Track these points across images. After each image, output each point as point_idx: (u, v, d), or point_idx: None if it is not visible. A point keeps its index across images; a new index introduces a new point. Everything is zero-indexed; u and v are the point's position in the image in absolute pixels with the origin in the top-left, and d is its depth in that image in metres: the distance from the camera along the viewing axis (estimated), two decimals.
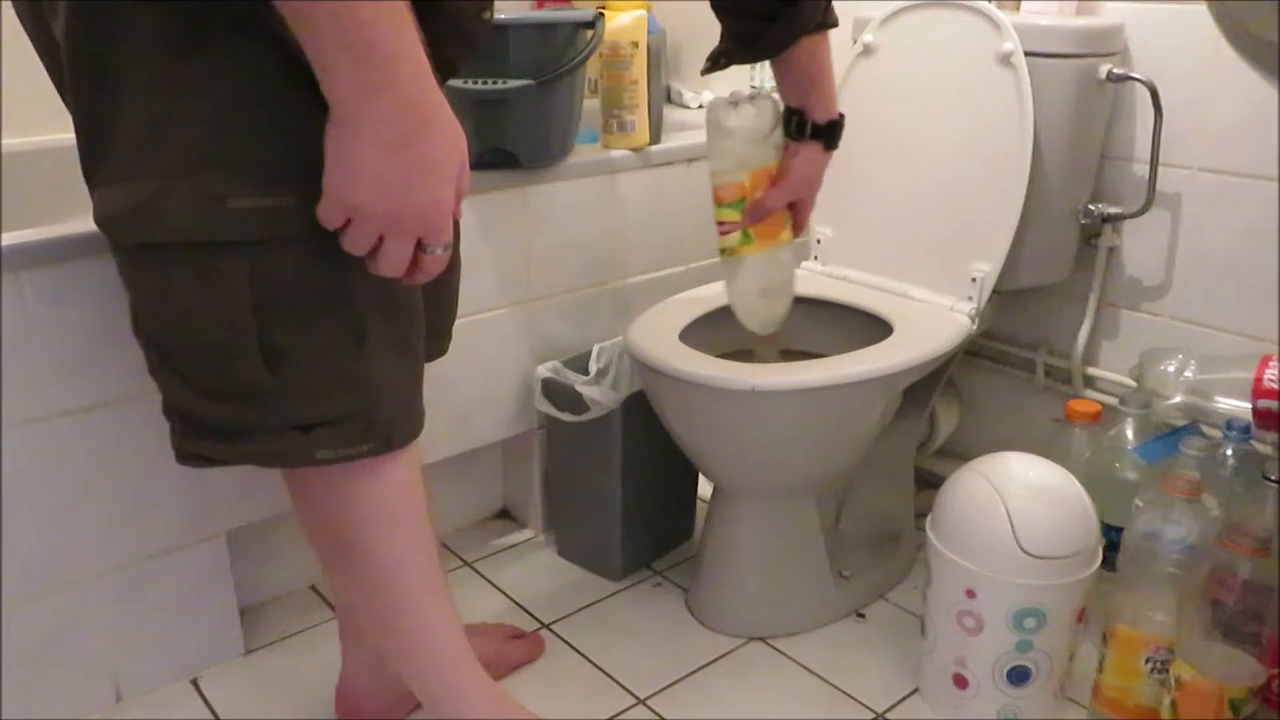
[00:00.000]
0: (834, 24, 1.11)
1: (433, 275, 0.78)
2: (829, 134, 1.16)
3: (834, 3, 1.10)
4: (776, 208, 1.19)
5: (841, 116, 1.17)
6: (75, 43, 0.74)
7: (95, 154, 0.77)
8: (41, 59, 0.83)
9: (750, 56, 1.12)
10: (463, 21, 0.85)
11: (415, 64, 0.69)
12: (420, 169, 0.71)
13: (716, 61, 1.14)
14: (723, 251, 1.23)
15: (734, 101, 1.16)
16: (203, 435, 0.86)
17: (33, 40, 0.83)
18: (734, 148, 1.17)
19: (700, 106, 1.85)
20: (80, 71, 0.75)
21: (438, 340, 1.08)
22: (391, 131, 0.69)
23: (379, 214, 0.72)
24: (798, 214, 1.22)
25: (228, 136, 0.74)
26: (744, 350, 1.34)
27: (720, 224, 1.21)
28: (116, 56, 0.73)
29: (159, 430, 1.12)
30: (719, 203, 1.20)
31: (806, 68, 1.12)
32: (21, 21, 0.83)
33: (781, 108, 1.17)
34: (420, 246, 0.75)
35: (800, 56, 1.10)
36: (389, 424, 0.87)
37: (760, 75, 1.69)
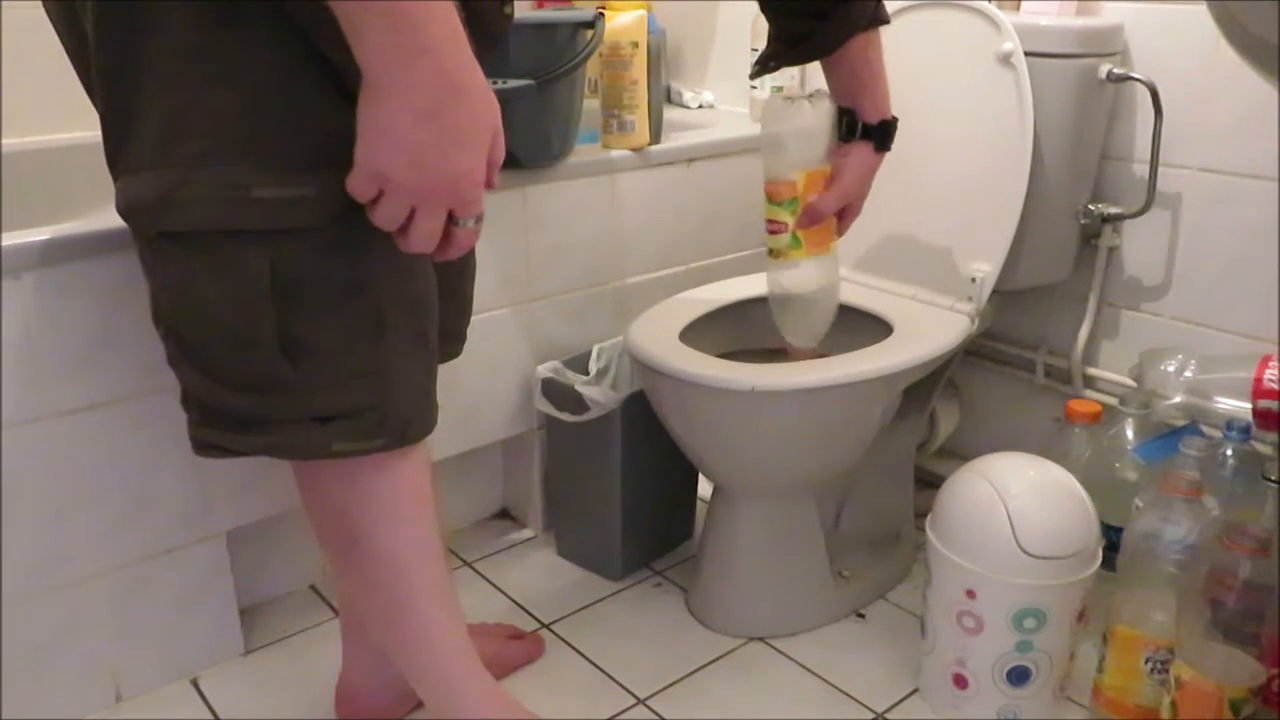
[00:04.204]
0: (885, 21, 1.09)
1: (465, 250, 0.77)
2: (880, 135, 1.14)
3: None
4: (830, 212, 1.16)
5: (894, 119, 1.14)
6: (103, 34, 0.75)
7: (120, 143, 0.78)
8: (70, 56, 0.84)
9: (801, 57, 1.10)
10: (486, 18, 0.85)
11: (448, 28, 0.68)
12: (452, 137, 0.70)
13: (765, 64, 1.12)
14: (770, 252, 1.21)
15: (791, 99, 1.14)
16: (220, 425, 0.86)
17: (62, 37, 0.83)
18: (788, 147, 1.15)
19: (700, 106, 1.85)
20: (107, 62, 0.76)
21: (452, 343, 1.08)
22: (424, 98, 0.68)
23: (410, 184, 0.71)
24: (843, 217, 1.19)
25: (251, 126, 0.75)
26: (744, 350, 1.34)
27: (770, 222, 1.18)
28: (143, 47, 0.74)
29: (159, 430, 1.13)
30: (770, 200, 1.18)
31: (857, 67, 1.10)
32: (51, 19, 0.83)
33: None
34: (451, 219, 0.74)
35: (852, 55, 1.08)
36: (404, 418, 0.88)
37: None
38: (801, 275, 1.21)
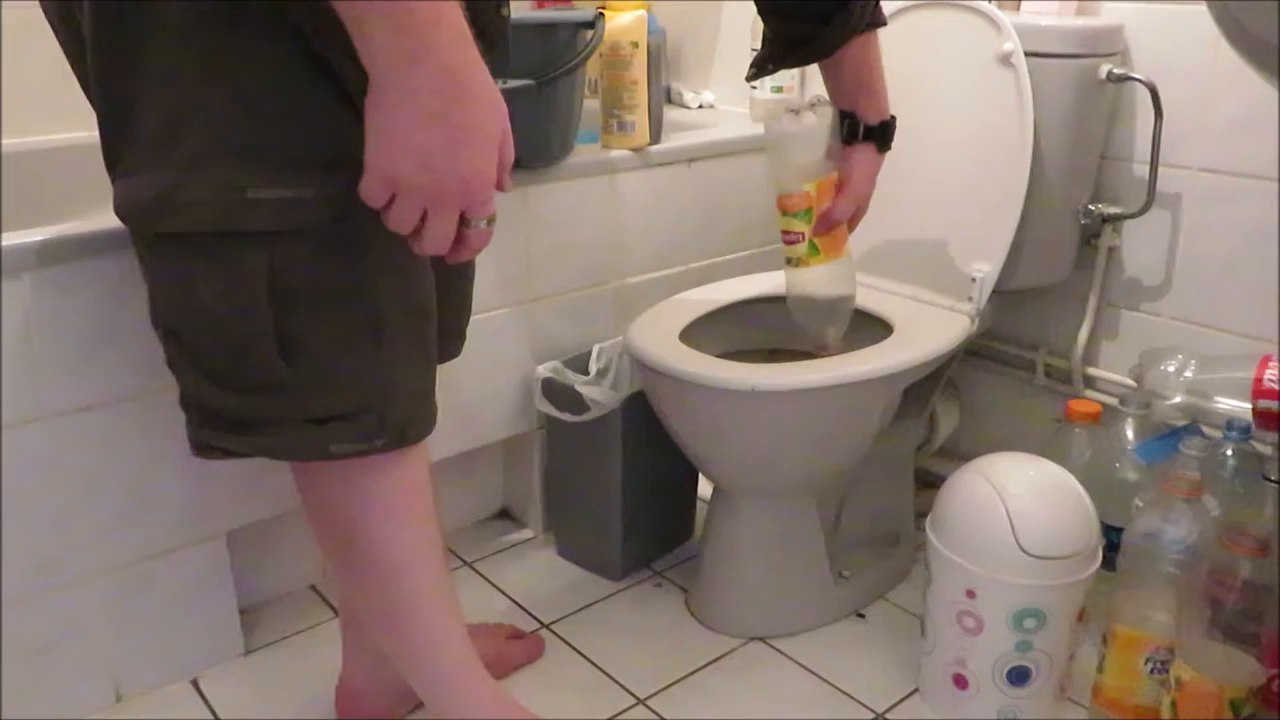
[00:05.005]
0: (883, 23, 1.10)
1: (477, 251, 0.77)
2: (881, 135, 1.15)
3: None
4: (845, 218, 1.17)
5: (893, 118, 1.15)
6: (100, 35, 0.75)
7: (117, 144, 0.78)
8: (68, 57, 0.84)
9: (800, 60, 1.10)
10: (482, 20, 0.85)
11: (454, 30, 0.68)
12: (461, 138, 0.70)
13: (763, 67, 1.12)
14: (788, 261, 1.22)
15: (796, 111, 1.14)
16: (218, 426, 0.86)
17: (60, 38, 0.83)
18: (797, 159, 1.16)
19: (700, 106, 1.85)
20: (105, 63, 0.76)
21: (452, 343, 1.08)
22: (431, 100, 0.68)
23: (421, 186, 0.70)
24: (853, 218, 1.20)
25: (249, 127, 0.75)
26: (744, 350, 1.34)
27: (786, 233, 1.19)
28: (140, 48, 0.74)
29: (159, 430, 1.13)
30: (785, 212, 1.18)
31: (857, 69, 1.10)
32: (49, 19, 0.83)
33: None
34: (463, 220, 0.74)
35: (851, 58, 1.09)
36: (403, 420, 0.88)
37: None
38: (823, 280, 1.22)
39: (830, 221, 1.17)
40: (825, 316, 1.25)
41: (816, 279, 1.22)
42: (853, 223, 1.21)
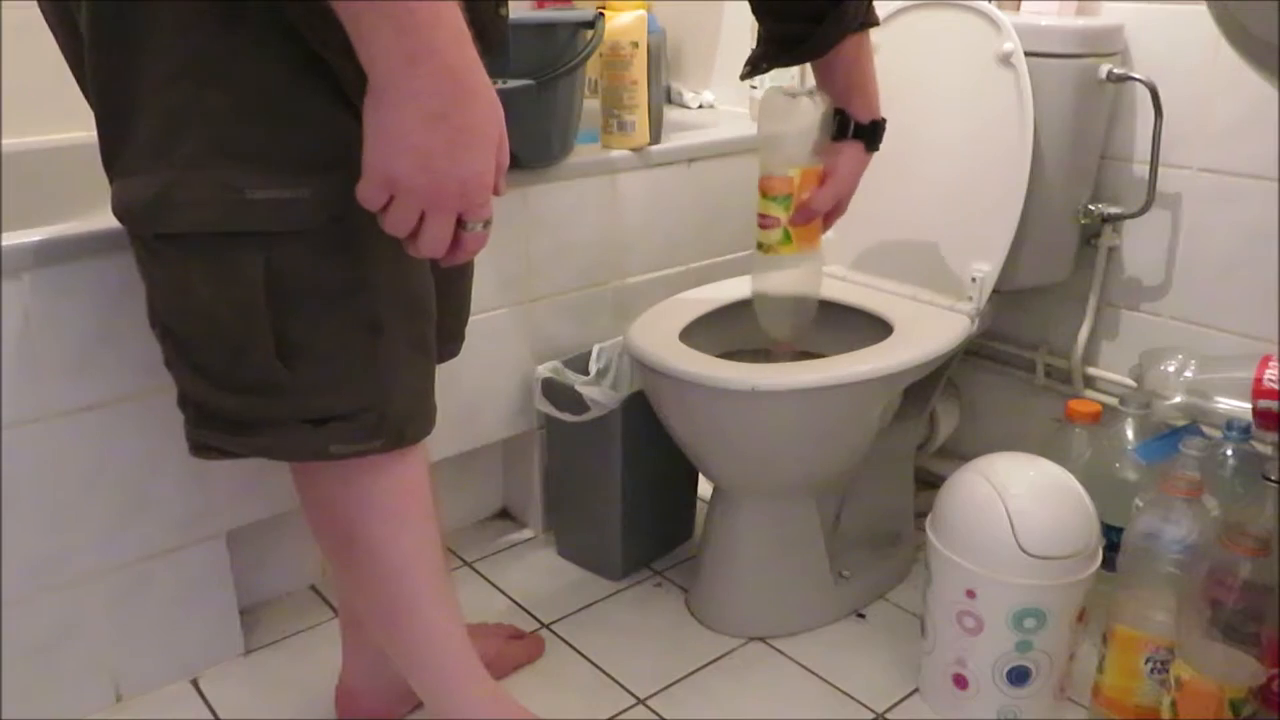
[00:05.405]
0: (875, 23, 1.10)
1: (473, 254, 0.77)
2: (871, 135, 1.15)
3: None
4: (823, 211, 1.17)
5: (883, 119, 1.15)
6: (98, 34, 0.75)
7: (116, 144, 0.78)
8: (66, 56, 0.84)
9: (794, 59, 1.10)
10: (481, 20, 0.85)
11: (454, 31, 0.68)
12: (462, 140, 0.70)
13: (756, 65, 1.12)
14: (759, 246, 1.20)
15: (793, 95, 1.14)
16: (216, 427, 0.86)
17: (58, 37, 0.83)
18: (786, 143, 1.15)
19: (700, 106, 1.85)
20: (103, 63, 0.76)
21: (450, 343, 1.08)
22: (432, 101, 0.67)
23: (420, 187, 0.70)
24: (830, 215, 1.20)
25: (247, 128, 0.75)
26: (744, 350, 1.34)
27: (763, 216, 1.18)
28: (138, 48, 0.74)
29: (159, 430, 1.13)
30: (765, 194, 1.17)
31: (850, 68, 1.11)
32: (47, 19, 0.83)
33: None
34: (460, 223, 0.74)
35: (844, 57, 1.09)
36: (402, 420, 0.88)
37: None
38: (789, 271, 1.21)
39: (808, 212, 1.16)
40: (784, 309, 1.24)
41: (782, 269, 1.21)
42: (829, 220, 1.20)
